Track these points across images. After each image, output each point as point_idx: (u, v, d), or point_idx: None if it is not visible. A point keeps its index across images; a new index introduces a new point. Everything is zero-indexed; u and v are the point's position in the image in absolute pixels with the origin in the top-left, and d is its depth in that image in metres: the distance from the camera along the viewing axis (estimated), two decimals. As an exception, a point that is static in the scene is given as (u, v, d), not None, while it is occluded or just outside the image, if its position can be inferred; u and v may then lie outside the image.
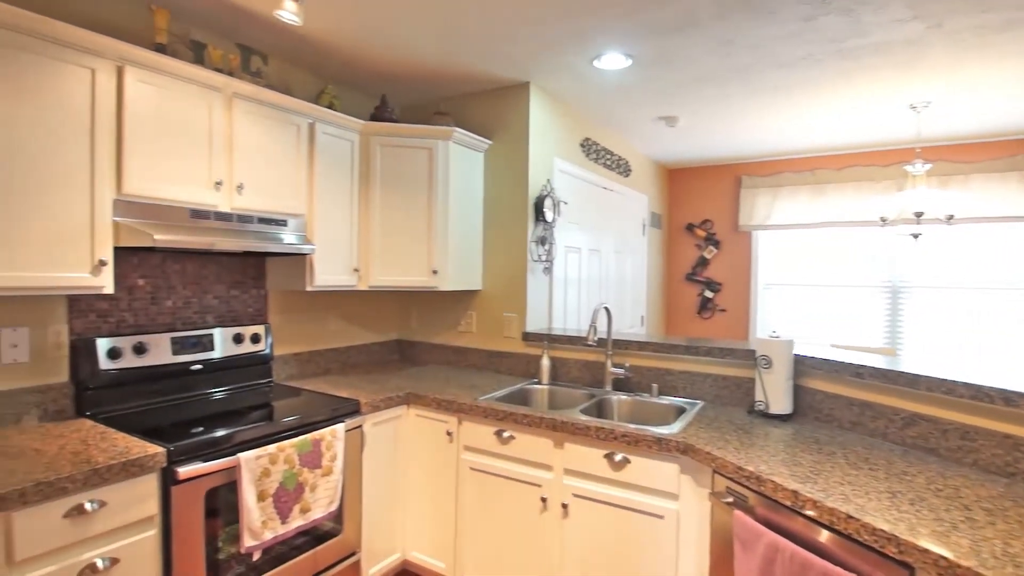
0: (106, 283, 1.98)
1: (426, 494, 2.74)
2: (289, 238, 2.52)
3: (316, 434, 2.22)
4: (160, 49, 2.16)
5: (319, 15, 2.42)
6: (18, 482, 1.51)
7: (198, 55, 2.39)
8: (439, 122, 3.17)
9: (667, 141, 4.52)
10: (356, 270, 2.92)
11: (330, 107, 2.89)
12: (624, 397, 2.75)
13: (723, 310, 5.37)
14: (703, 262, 5.47)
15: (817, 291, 4.95)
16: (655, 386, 2.72)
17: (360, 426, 2.49)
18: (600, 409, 2.72)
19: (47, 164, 1.82)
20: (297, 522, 2.14)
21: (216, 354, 2.56)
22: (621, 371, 2.81)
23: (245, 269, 2.82)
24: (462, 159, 3.16)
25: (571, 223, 3.79)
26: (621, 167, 4.50)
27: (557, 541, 2.32)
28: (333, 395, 2.62)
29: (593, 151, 4.00)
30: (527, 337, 3.18)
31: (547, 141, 3.41)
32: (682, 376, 2.71)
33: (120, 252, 2.32)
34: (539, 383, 3.01)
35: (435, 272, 3.00)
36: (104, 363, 2.19)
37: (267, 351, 2.79)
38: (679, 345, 2.68)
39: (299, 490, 2.14)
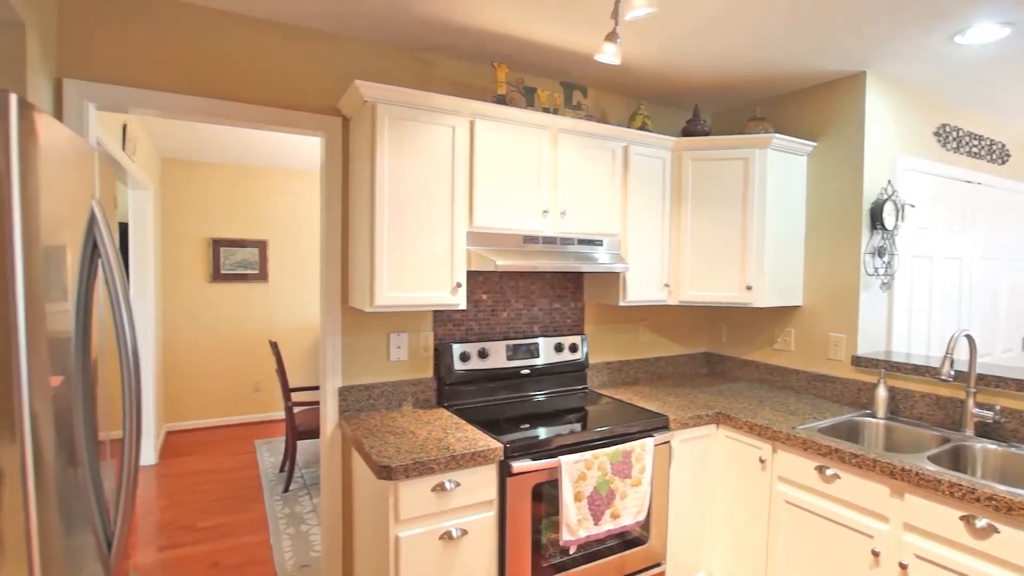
0: (460, 301, 2.40)
1: (733, 518, 2.65)
2: (603, 257, 2.70)
3: (627, 446, 2.34)
4: (500, 100, 2.53)
5: (634, 46, 2.53)
6: (403, 459, 1.95)
7: (529, 99, 2.72)
8: (755, 128, 3.00)
9: (1070, 114, 3.48)
10: (667, 285, 2.97)
11: (643, 128, 2.99)
12: (992, 447, 2.23)
13: None
14: None
15: None
16: (1042, 438, 2.15)
17: (668, 442, 2.53)
18: (955, 458, 2.26)
19: (421, 206, 2.30)
20: (607, 526, 2.29)
21: (540, 361, 2.89)
22: (988, 413, 2.28)
23: (566, 284, 3.10)
24: (781, 166, 2.94)
25: (920, 228, 3.21)
26: (994, 153, 3.63)
27: (893, 605, 2.02)
28: (642, 408, 2.71)
29: (952, 139, 3.32)
30: (858, 361, 2.81)
31: (888, 135, 2.94)
32: (1087, 430, 2.08)
33: (469, 273, 2.79)
34: (872, 416, 2.64)
35: (749, 288, 2.86)
36: (457, 364, 2.66)
37: (583, 359, 3.03)
38: (1083, 389, 2.07)
39: (610, 496, 2.29)
